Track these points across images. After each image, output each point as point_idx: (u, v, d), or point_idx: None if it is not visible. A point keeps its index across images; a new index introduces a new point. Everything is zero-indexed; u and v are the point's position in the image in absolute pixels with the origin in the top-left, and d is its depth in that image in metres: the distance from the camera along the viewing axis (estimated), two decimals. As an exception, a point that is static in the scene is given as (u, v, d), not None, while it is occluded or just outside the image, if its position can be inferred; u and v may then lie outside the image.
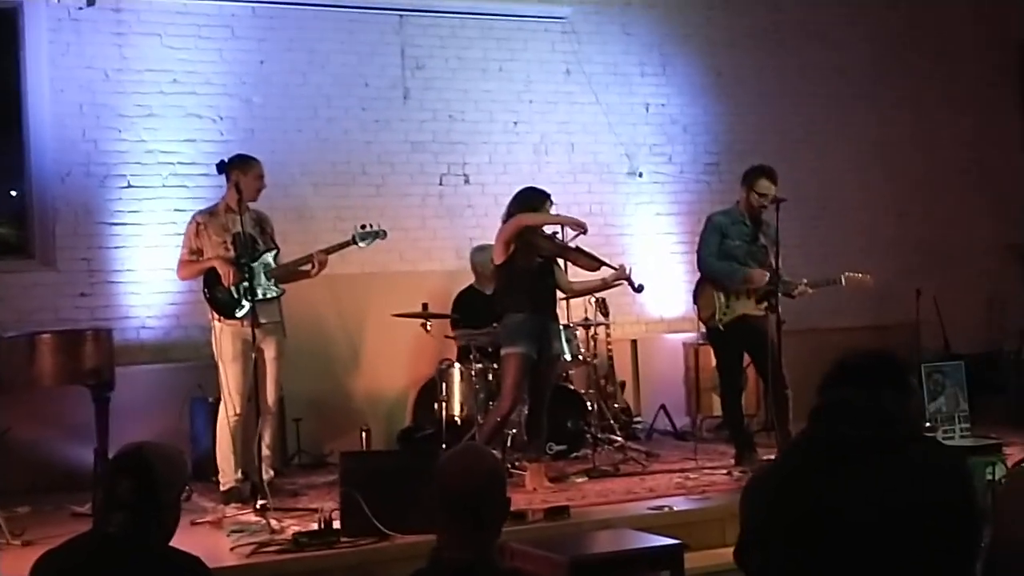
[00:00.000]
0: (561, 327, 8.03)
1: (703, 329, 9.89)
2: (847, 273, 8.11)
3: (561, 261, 7.81)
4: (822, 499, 2.75)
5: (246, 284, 7.30)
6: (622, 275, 7.64)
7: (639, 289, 7.75)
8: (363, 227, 7.69)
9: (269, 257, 7.51)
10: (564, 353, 8.13)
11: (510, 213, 7.56)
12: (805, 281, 8.04)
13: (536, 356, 7.43)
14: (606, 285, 7.83)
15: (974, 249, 11.50)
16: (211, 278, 7.41)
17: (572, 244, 7.66)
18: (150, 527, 3.34)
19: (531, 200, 7.58)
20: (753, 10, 10.93)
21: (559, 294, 7.86)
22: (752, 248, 7.93)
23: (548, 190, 7.74)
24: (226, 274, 7.31)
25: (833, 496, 2.74)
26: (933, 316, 10.23)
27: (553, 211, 7.70)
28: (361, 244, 7.69)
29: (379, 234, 7.73)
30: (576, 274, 7.93)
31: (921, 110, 11.51)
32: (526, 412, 7.82)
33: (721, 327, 7.96)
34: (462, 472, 3.07)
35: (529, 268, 7.47)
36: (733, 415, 8.13)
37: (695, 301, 8.21)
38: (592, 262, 7.64)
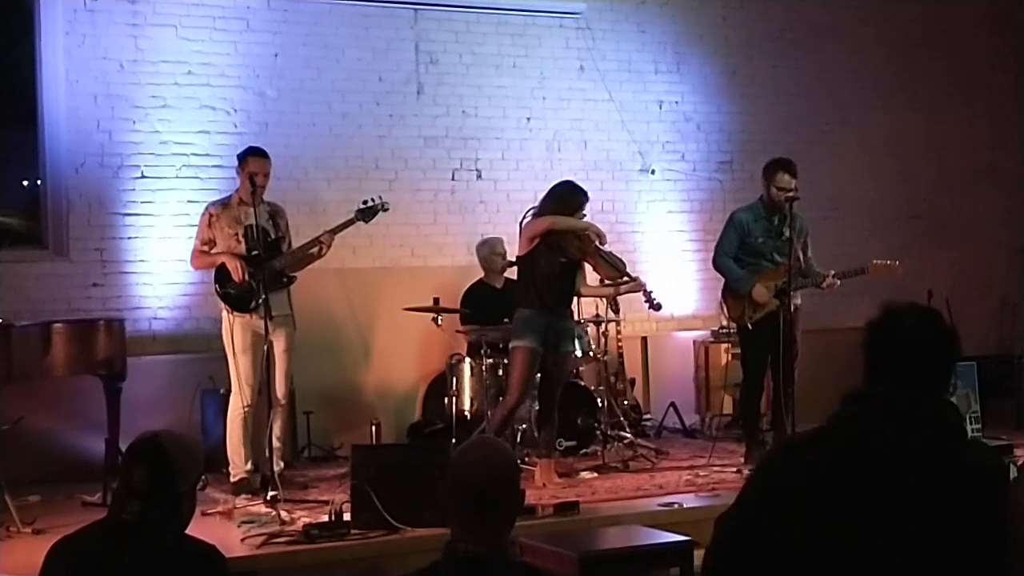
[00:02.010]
0: (575, 328, 8.02)
1: (715, 328, 9.96)
2: (875, 261, 8.01)
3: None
4: (853, 501, 2.73)
5: (257, 277, 7.31)
6: (636, 288, 7.68)
7: (656, 307, 7.73)
8: (364, 202, 7.69)
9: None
10: (575, 351, 8.11)
11: (543, 208, 7.54)
12: (833, 272, 7.95)
13: (543, 351, 7.43)
14: (619, 293, 7.89)
15: (986, 252, 11.48)
16: (222, 273, 7.43)
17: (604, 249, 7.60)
18: (165, 516, 3.35)
19: (569, 201, 7.54)
20: (768, 10, 10.92)
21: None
22: (778, 243, 7.88)
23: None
24: (235, 268, 7.33)
25: (865, 500, 2.72)
26: (945, 317, 10.20)
27: (587, 209, 7.66)
28: (367, 220, 7.69)
29: (382, 207, 7.71)
30: (596, 278, 7.92)
31: (935, 112, 11.48)
32: (536, 408, 7.84)
33: (750, 326, 7.93)
34: (477, 464, 3.06)
35: (550, 267, 7.44)
36: (749, 413, 8.11)
37: (724, 299, 8.19)
38: (614, 272, 7.62)
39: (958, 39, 11.62)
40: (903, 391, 2.81)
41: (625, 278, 7.66)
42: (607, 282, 7.80)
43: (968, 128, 11.63)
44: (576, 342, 8.39)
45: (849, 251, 8.99)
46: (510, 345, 7.52)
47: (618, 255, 7.79)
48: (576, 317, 8.61)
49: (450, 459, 3.15)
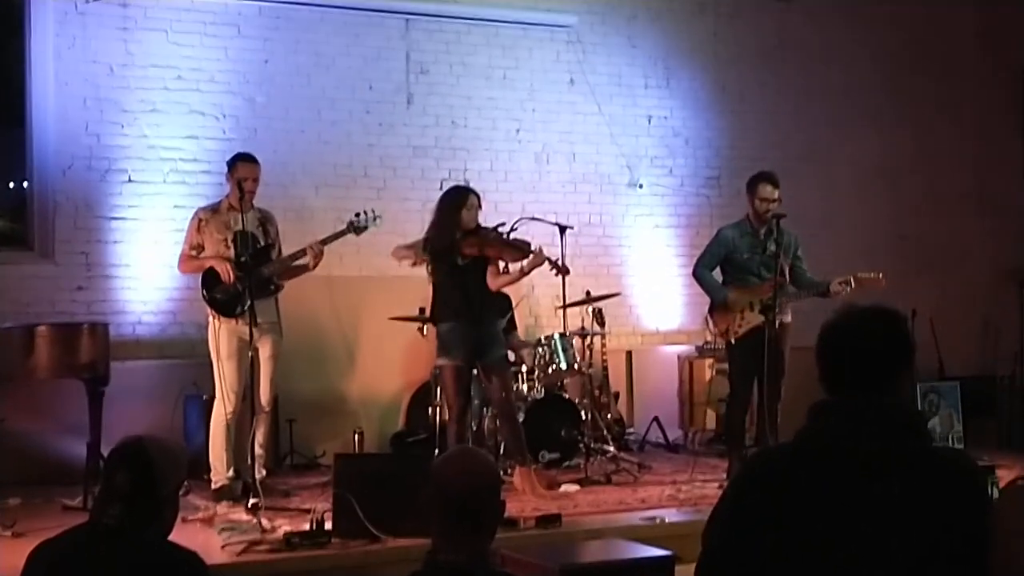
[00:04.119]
0: (500, 330, 7.74)
1: (700, 343, 9.98)
2: (859, 274, 7.93)
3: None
4: (838, 509, 2.73)
5: (244, 283, 7.30)
6: (538, 261, 7.38)
7: (564, 270, 7.64)
8: (357, 215, 7.68)
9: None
10: (507, 354, 7.82)
11: (434, 216, 7.52)
12: (840, 279, 7.78)
13: (469, 365, 7.40)
14: (524, 273, 7.56)
15: (971, 272, 11.50)
16: (209, 278, 7.41)
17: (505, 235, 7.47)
18: (147, 520, 3.34)
19: (453, 199, 7.48)
20: (759, 27, 10.95)
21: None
22: (764, 258, 7.87)
23: (474, 186, 7.73)
24: (224, 270, 7.32)
25: (849, 508, 2.73)
26: (928, 338, 10.23)
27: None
28: (358, 232, 7.68)
29: (374, 222, 7.71)
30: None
31: (923, 132, 11.51)
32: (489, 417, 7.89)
33: (733, 341, 7.94)
34: (458, 475, 3.07)
35: (451, 273, 7.38)
36: (734, 429, 8.11)
37: (710, 315, 8.19)
38: (519, 254, 7.39)
39: (947, 59, 11.66)
40: (861, 398, 2.81)
41: (530, 256, 7.37)
42: (512, 266, 7.59)
43: (956, 148, 11.66)
44: (562, 354, 8.40)
45: (834, 269, 8.97)
46: (436, 363, 7.54)
47: (517, 238, 7.61)
48: (561, 330, 8.62)
49: (432, 469, 3.15)
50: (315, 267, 7.57)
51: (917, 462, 2.77)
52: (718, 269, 8.08)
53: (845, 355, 2.86)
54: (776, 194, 7.82)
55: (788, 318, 7.88)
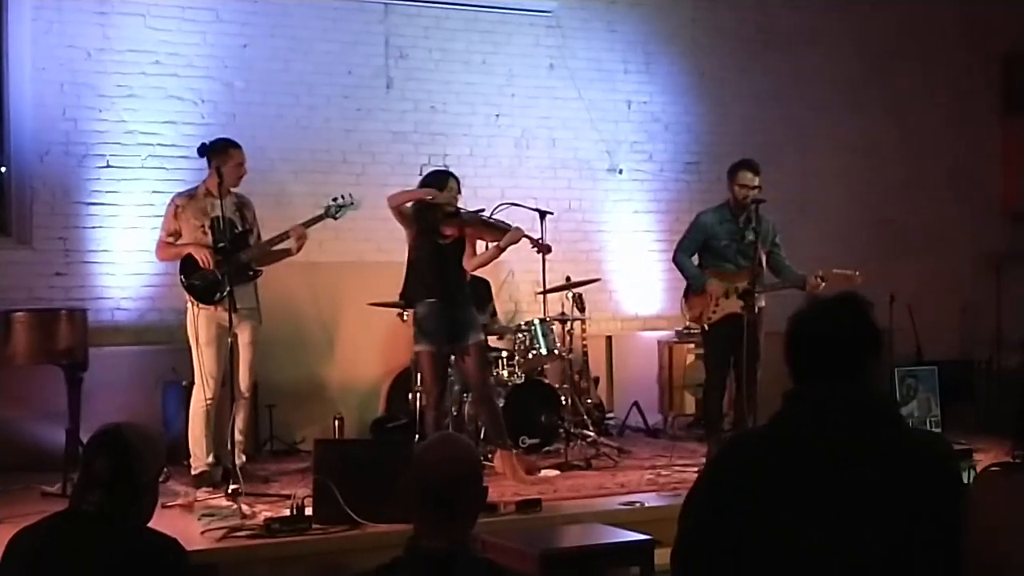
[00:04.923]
0: (475, 314, 7.69)
1: (679, 328, 9.99)
2: (835, 270, 7.95)
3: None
4: (804, 498, 2.74)
5: (223, 269, 7.27)
6: (514, 238, 7.38)
7: (545, 248, 7.65)
8: (335, 199, 7.64)
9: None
10: (474, 341, 7.56)
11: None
12: (820, 274, 7.79)
13: (446, 350, 7.41)
14: (500, 249, 7.53)
15: (950, 257, 11.54)
16: (187, 264, 7.38)
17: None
18: (126, 506, 3.34)
19: (433, 182, 7.47)
20: (739, 12, 10.95)
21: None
22: (742, 246, 7.89)
23: (454, 171, 7.70)
24: (203, 259, 7.29)
25: (816, 496, 2.74)
26: (907, 322, 10.26)
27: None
28: (337, 215, 7.65)
29: (352, 205, 7.68)
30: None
31: (904, 117, 11.54)
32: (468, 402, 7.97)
33: (706, 326, 7.97)
34: (439, 461, 3.06)
35: (429, 252, 7.38)
36: (711, 413, 8.14)
37: (685, 299, 8.21)
38: (498, 233, 7.43)
39: (929, 45, 11.68)
40: (825, 386, 2.82)
41: (507, 234, 7.39)
42: (490, 245, 7.57)
43: (936, 133, 11.69)
44: (542, 340, 8.41)
45: (814, 254, 9.01)
46: (413, 348, 7.55)
47: (497, 219, 7.60)
48: (542, 315, 8.62)
49: (413, 455, 3.15)
50: (298, 251, 7.54)
51: (890, 449, 2.78)
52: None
53: (810, 343, 2.87)
54: (757, 181, 7.84)
55: (763, 303, 7.89)
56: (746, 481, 2.80)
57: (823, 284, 7.79)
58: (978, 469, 6.66)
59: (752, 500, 2.77)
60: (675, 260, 8.15)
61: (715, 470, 2.98)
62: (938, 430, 7.72)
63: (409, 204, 7.44)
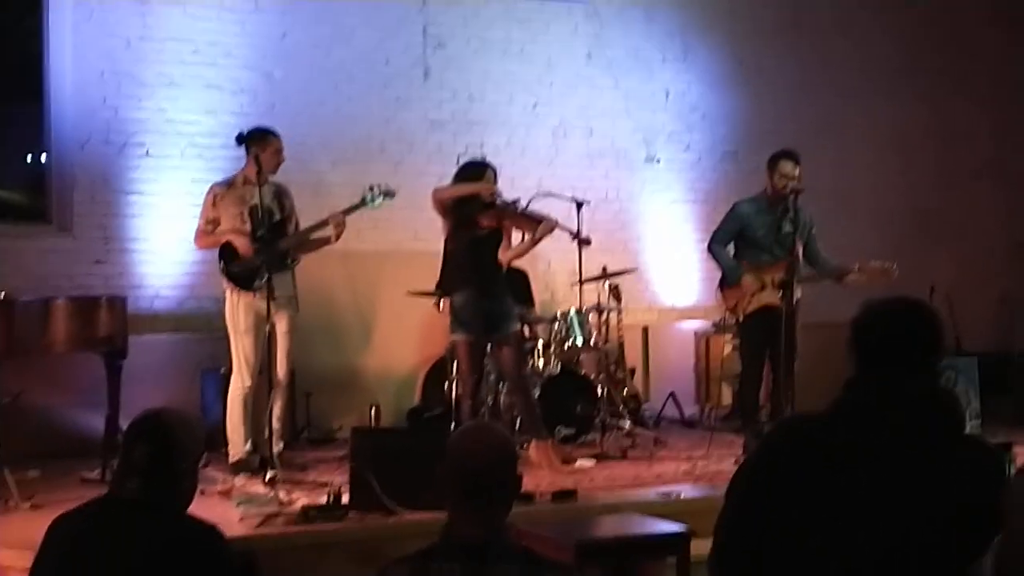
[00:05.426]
0: (511, 305, 7.64)
1: (716, 319, 9.96)
2: (872, 263, 7.89)
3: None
4: (858, 482, 2.78)
5: (261, 257, 7.29)
6: (547, 228, 7.39)
7: (585, 241, 7.65)
8: (371, 188, 7.62)
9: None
10: (510, 332, 7.58)
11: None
12: (858, 267, 7.83)
13: (483, 340, 7.44)
14: (535, 241, 7.54)
15: (988, 247, 11.46)
16: (227, 252, 7.42)
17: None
18: (165, 493, 3.36)
19: (468, 173, 7.50)
20: (776, 1, 10.90)
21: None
22: (779, 236, 7.87)
23: (490, 161, 7.67)
24: (242, 245, 7.33)
25: (869, 481, 2.77)
26: (945, 313, 10.17)
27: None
28: (373, 204, 7.62)
29: (389, 194, 7.67)
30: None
31: (939, 106, 11.46)
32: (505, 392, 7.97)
33: (741, 317, 7.95)
34: (474, 449, 3.07)
35: (468, 244, 7.39)
36: (747, 405, 8.12)
37: (720, 290, 8.18)
38: (535, 224, 7.44)
39: (964, 34, 11.59)
40: (895, 376, 2.88)
41: (540, 226, 7.40)
42: (526, 236, 7.57)
43: (972, 123, 11.60)
44: (578, 330, 8.41)
45: (849, 243, 8.96)
46: (450, 338, 7.57)
47: (533, 210, 7.58)
48: (577, 305, 8.61)
49: (448, 443, 3.15)
50: (337, 239, 7.51)
51: (937, 444, 2.80)
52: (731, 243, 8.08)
53: (885, 337, 2.96)
54: (797, 171, 7.80)
55: (799, 294, 7.86)
56: (805, 462, 2.83)
57: (861, 276, 7.76)
58: (1017, 463, 6.64)
59: (809, 481, 2.80)
60: (710, 249, 8.13)
61: (769, 449, 3.00)
62: (977, 422, 7.64)
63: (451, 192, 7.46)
